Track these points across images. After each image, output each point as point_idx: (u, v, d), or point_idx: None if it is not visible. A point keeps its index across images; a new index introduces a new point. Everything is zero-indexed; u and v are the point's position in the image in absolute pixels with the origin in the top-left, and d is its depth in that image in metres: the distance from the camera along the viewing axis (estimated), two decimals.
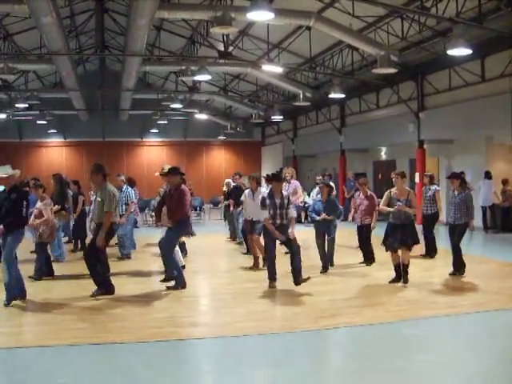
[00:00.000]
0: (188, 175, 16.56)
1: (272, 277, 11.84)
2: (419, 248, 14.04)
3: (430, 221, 15.54)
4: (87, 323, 9.24)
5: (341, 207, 14.26)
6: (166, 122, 40.43)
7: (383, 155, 30.86)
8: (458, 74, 22.09)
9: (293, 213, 12.08)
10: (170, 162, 17.63)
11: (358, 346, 8.21)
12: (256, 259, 14.34)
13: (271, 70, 25.09)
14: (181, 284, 11.67)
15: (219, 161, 45.67)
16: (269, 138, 45.87)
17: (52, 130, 41.46)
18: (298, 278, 11.55)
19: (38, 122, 38.13)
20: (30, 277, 12.26)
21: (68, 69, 26.11)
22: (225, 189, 20.74)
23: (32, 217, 12.79)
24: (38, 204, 13.15)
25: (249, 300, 10.86)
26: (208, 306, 11.01)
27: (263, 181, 16.69)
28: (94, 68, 38.45)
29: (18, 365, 7.44)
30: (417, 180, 24.26)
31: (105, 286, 11.08)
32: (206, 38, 26.79)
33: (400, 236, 11.72)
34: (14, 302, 10.34)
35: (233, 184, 19.58)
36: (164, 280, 12.26)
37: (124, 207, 15.49)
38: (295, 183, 17.92)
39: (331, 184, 16.56)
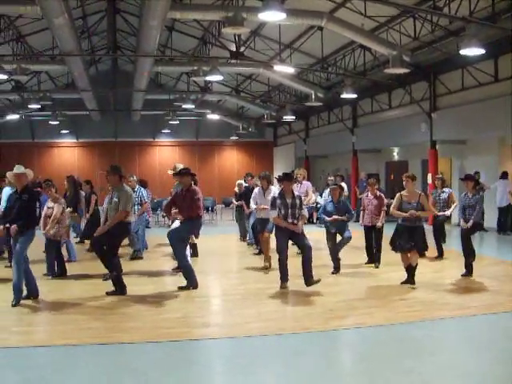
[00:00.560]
0: (200, 175, 16.60)
1: (283, 277, 11.80)
2: (430, 250, 13.98)
3: (443, 224, 15.52)
4: (99, 323, 9.25)
5: (352, 210, 14.13)
6: (177, 123, 40.45)
7: (395, 156, 30.77)
8: (471, 73, 21.99)
9: (305, 212, 12.07)
10: (182, 163, 17.59)
11: (369, 347, 8.18)
12: (268, 259, 14.28)
13: (283, 70, 25.10)
14: (192, 284, 11.67)
15: (231, 161, 45.68)
16: (281, 139, 45.84)
17: (64, 131, 41.58)
18: (308, 279, 11.54)
19: (51, 122, 38.29)
20: (44, 274, 12.34)
21: (80, 69, 26.21)
22: (236, 190, 20.74)
23: (43, 217, 12.79)
24: (50, 204, 13.16)
25: (260, 300, 10.85)
26: (219, 307, 11.01)
27: (275, 180, 16.61)
28: (106, 68, 38.56)
29: (30, 364, 7.46)
30: (429, 181, 24.17)
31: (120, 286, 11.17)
32: (217, 39, 26.84)
33: (409, 239, 11.63)
34: (26, 301, 10.40)
35: (244, 185, 19.56)
36: (176, 268, 12.71)
37: (137, 207, 15.56)
38: (307, 184, 17.87)
39: (343, 185, 16.52)
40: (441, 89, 24.32)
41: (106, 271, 11.60)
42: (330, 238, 13.50)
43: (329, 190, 19.51)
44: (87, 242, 17.82)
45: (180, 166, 13.72)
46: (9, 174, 11.31)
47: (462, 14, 17.05)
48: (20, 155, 38.21)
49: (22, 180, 10.67)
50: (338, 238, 13.58)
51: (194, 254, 15.44)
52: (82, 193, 17.08)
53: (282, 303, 10.83)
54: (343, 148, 33.08)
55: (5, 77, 23.79)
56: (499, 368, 7.21)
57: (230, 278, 13.49)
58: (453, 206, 15.33)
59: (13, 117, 36.66)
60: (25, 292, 10.53)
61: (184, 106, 33.27)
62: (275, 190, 14.54)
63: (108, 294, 11.01)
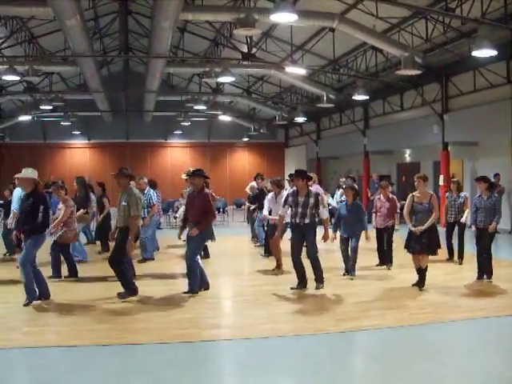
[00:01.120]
0: (211, 177, 16.47)
1: (299, 281, 11.74)
2: (442, 252, 13.93)
3: (462, 229, 15.23)
4: (111, 324, 9.27)
5: (365, 219, 13.61)
6: (189, 124, 40.52)
7: (407, 157, 30.69)
8: (483, 75, 21.94)
9: (324, 213, 11.87)
10: (193, 164, 17.63)
11: (382, 349, 8.16)
12: (278, 261, 14.20)
13: (295, 71, 25.09)
14: (201, 286, 11.48)
15: (243, 162, 45.65)
16: (292, 140, 45.78)
17: (76, 132, 41.73)
18: (317, 283, 11.58)
19: (63, 123, 38.48)
20: (49, 277, 12.22)
21: (92, 70, 26.28)
22: (249, 192, 20.71)
23: (52, 219, 12.69)
24: (60, 205, 13.16)
25: (271, 302, 10.84)
26: (231, 308, 11.00)
27: (286, 184, 16.56)
28: (118, 70, 38.62)
29: (42, 364, 7.47)
30: (441, 183, 24.11)
31: (130, 289, 11.05)
32: (229, 40, 26.86)
33: (420, 240, 11.54)
34: (37, 302, 10.42)
35: (256, 187, 19.52)
36: (187, 292, 11.39)
37: (146, 210, 15.32)
38: (317, 188, 17.81)
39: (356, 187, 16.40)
40: (453, 90, 24.27)
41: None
42: (343, 241, 13.37)
43: (341, 190, 19.58)
44: (98, 243, 17.87)
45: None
46: (17, 177, 11.26)
47: (474, 15, 16.99)
48: (32, 156, 38.41)
49: (25, 184, 10.64)
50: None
51: (206, 255, 15.40)
52: (93, 195, 16.92)
53: (294, 305, 10.79)
54: (355, 149, 33.04)
55: (17, 78, 23.89)
56: None
57: (241, 280, 13.50)
58: (466, 213, 14.91)
59: (25, 118, 36.75)
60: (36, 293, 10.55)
61: (196, 107, 33.35)
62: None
63: (119, 295, 10.94)
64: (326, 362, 7.58)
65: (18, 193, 13.95)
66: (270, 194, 15.14)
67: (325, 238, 11.97)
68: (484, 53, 15.70)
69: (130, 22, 28.58)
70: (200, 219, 11.38)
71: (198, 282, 11.44)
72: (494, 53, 15.75)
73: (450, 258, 15.41)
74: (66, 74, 34.14)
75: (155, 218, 16.69)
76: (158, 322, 9.41)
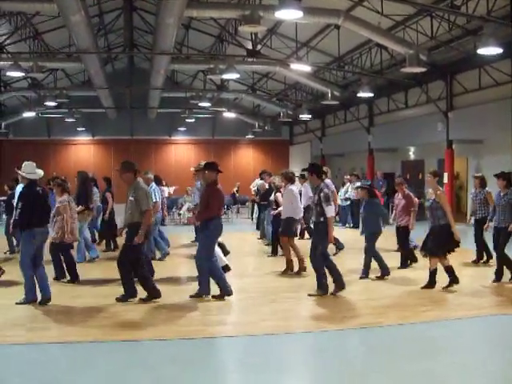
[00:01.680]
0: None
1: (336, 284, 11.13)
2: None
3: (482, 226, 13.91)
4: (114, 320, 9.28)
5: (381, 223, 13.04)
6: (194, 121, 40.50)
7: (412, 155, 30.66)
8: (488, 73, 21.89)
9: (328, 211, 10.83)
10: (198, 161, 17.43)
11: (386, 347, 8.14)
12: (288, 262, 13.71)
13: (299, 68, 25.08)
14: (206, 292, 10.91)
15: (247, 159, 45.64)
16: (297, 137, 45.78)
17: (80, 128, 41.75)
18: (317, 289, 11.09)
19: (67, 119, 38.53)
20: (54, 279, 12.11)
21: (96, 67, 26.26)
22: (256, 190, 20.57)
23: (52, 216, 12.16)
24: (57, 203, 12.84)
25: (276, 299, 10.84)
26: (235, 305, 10.93)
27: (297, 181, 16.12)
28: (123, 66, 38.65)
29: (46, 360, 7.49)
30: (445, 180, 24.06)
31: (130, 292, 10.55)
32: (234, 37, 26.87)
33: (429, 239, 11.45)
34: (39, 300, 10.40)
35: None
36: (193, 296, 10.89)
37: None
38: (327, 183, 17.62)
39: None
40: (457, 88, 24.22)
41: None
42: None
43: (345, 187, 19.56)
44: (103, 242, 17.79)
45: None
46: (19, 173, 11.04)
47: (480, 13, 16.96)
48: (36, 152, 38.35)
49: (23, 180, 10.62)
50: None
51: (225, 252, 14.01)
52: (96, 190, 16.72)
53: (299, 302, 10.80)
54: (359, 147, 33.02)
55: (21, 74, 23.91)
56: None
57: (246, 277, 13.45)
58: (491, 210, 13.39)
59: (29, 114, 36.77)
60: (39, 298, 10.34)
61: (200, 104, 33.31)
62: (294, 188, 14.23)
63: (118, 300, 10.51)
64: (329, 359, 7.57)
65: (19, 189, 13.87)
66: (295, 189, 14.41)
67: (328, 240, 11.12)
68: (489, 51, 15.66)
69: (134, 18, 28.62)
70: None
71: (207, 285, 10.91)
72: (499, 51, 15.70)
73: (477, 261, 14.44)
74: (71, 71, 34.14)
75: (158, 215, 16.53)
76: (162, 318, 9.43)
